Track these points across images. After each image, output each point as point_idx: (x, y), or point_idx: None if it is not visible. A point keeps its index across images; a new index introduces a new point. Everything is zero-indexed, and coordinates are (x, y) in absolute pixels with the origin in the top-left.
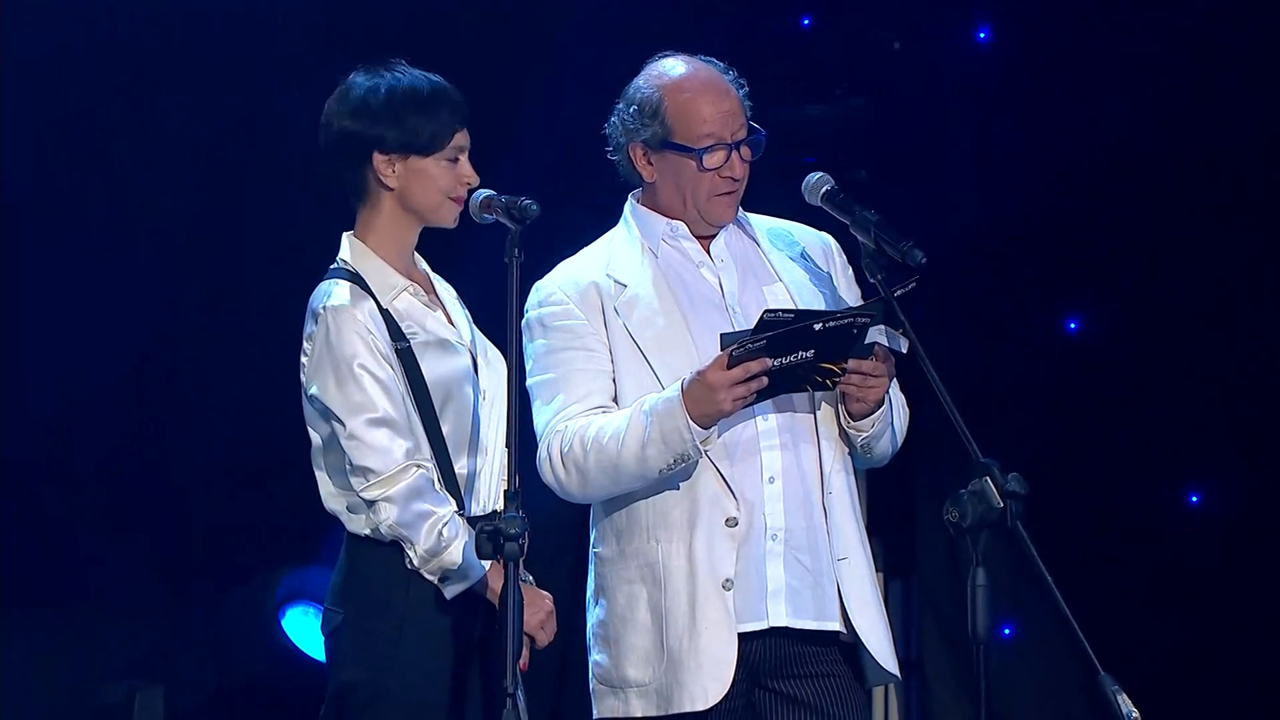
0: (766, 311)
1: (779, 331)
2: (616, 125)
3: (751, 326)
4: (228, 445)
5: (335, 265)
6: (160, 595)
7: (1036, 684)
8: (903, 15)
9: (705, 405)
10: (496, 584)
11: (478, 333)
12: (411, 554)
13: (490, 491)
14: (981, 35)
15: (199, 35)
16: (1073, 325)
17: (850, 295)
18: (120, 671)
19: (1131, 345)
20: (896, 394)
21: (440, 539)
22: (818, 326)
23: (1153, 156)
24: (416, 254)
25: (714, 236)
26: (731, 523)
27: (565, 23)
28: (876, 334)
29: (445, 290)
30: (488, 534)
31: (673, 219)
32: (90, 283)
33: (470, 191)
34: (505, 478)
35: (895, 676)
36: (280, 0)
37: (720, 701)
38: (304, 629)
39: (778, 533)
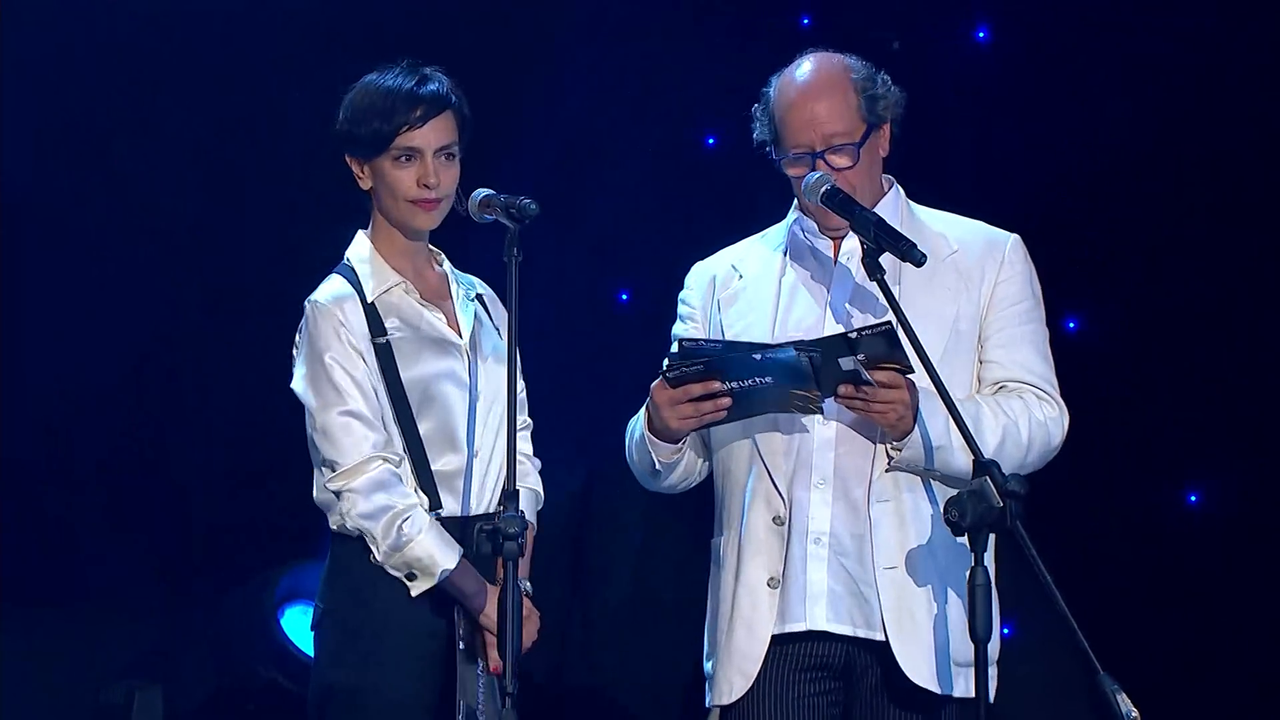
0: (683, 340)
1: (707, 358)
2: (754, 120)
3: (843, 330)
4: (228, 445)
5: (342, 260)
6: (160, 595)
7: (1036, 684)
8: (902, 15)
9: (655, 421)
10: (464, 583)
11: (495, 335)
12: (375, 549)
13: (486, 492)
14: (981, 35)
15: (199, 35)
16: (1072, 325)
17: (990, 305)
18: (120, 671)
19: (1131, 345)
20: (996, 414)
21: (401, 534)
22: (757, 356)
23: (1153, 156)
24: (437, 253)
25: (847, 232)
26: (778, 521)
27: (565, 23)
28: (852, 363)
29: (462, 290)
30: (487, 533)
31: (805, 214)
32: (90, 283)
33: (469, 192)
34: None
35: (932, 693)
36: (280, 0)
37: (806, 693)
38: (303, 628)
39: (821, 536)
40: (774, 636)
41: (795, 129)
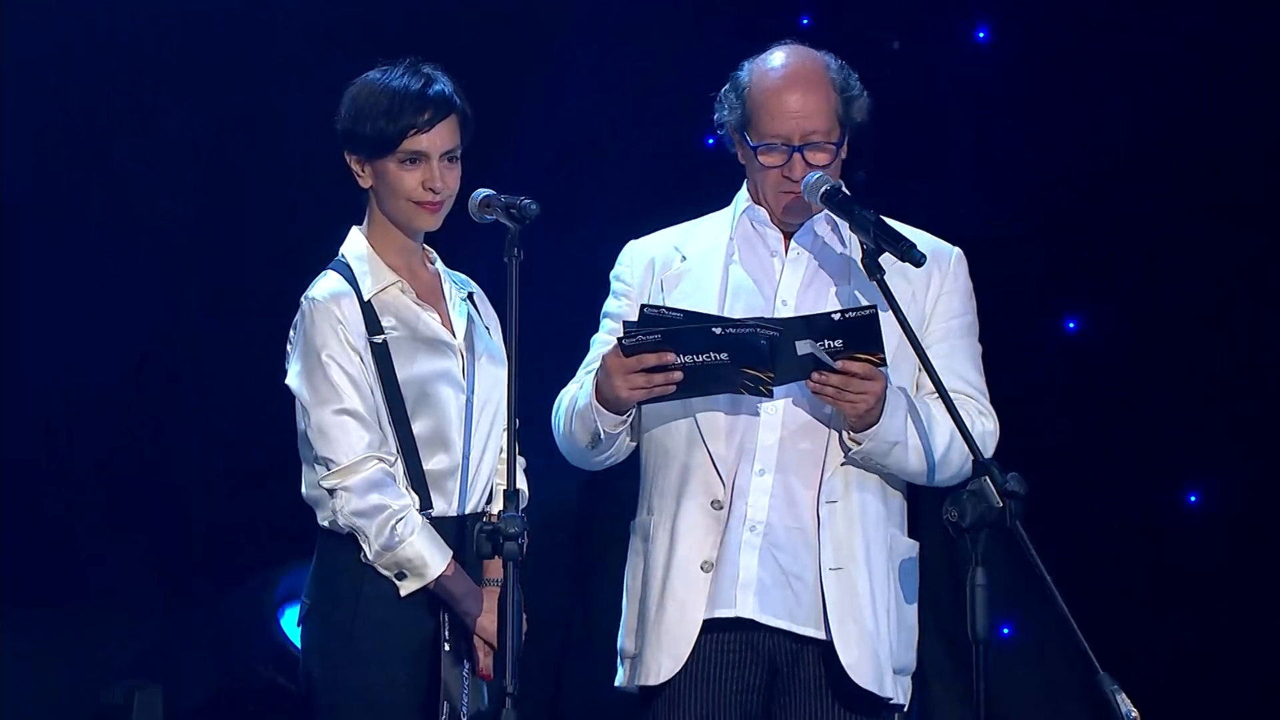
0: (645, 306)
1: (665, 329)
2: (720, 100)
3: (821, 313)
4: (228, 445)
5: (337, 256)
6: (160, 595)
7: (1036, 684)
8: (902, 15)
9: (606, 389)
10: (454, 586)
11: (486, 335)
12: (366, 547)
13: (475, 492)
14: (981, 35)
15: (199, 35)
16: (1072, 325)
17: (932, 315)
18: (120, 671)
19: (1131, 345)
20: (945, 418)
21: (394, 534)
22: (717, 331)
23: (1153, 156)
24: (429, 251)
25: (799, 227)
26: (716, 505)
27: (565, 23)
28: (809, 347)
29: (455, 290)
30: (486, 533)
31: (756, 203)
32: (90, 283)
33: (469, 191)
34: (504, 477)
35: (877, 696)
36: (280, 0)
37: (735, 687)
38: None
39: (757, 525)
40: (705, 621)
41: (774, 118)
